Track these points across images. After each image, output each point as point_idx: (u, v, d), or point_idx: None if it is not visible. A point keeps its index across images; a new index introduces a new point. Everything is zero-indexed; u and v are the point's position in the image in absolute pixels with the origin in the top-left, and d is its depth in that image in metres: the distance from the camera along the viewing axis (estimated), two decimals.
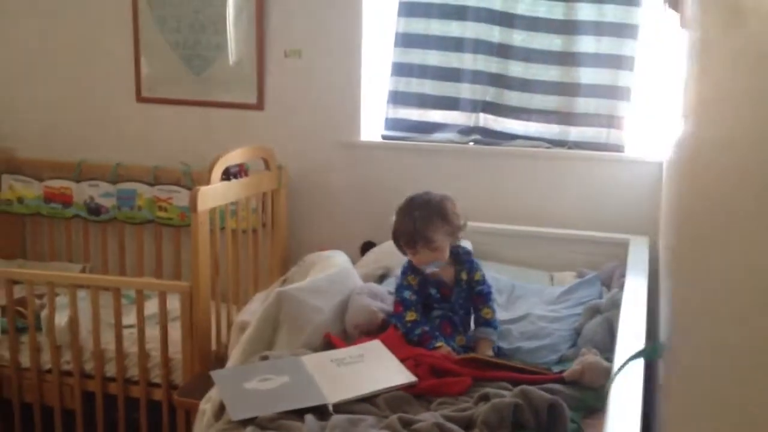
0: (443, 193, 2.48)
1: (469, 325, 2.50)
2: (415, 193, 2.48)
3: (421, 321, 2.40)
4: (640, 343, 2.03)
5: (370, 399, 2.07)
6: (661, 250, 2.78)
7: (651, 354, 1.78)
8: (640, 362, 1.82)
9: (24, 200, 3.94)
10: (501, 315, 2.64)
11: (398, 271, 2.57)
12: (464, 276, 2.49)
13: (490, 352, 2.36)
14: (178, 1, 3.70)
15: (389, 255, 2.84)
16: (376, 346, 2.30)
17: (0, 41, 3.99)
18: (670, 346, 0.69)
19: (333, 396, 2.05)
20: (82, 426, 3.19)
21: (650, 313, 2.33)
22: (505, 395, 1.98)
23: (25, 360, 3.21)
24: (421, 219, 2.37)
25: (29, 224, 4.05)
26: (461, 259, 2.51)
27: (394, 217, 2.47)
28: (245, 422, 1.95)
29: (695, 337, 0.53)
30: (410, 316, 2.40)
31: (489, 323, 2.45)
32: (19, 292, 3.22)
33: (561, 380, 2.14)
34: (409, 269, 2.47)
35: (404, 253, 2.48)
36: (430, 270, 2.42)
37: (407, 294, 2.44)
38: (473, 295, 2.49)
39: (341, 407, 2.03)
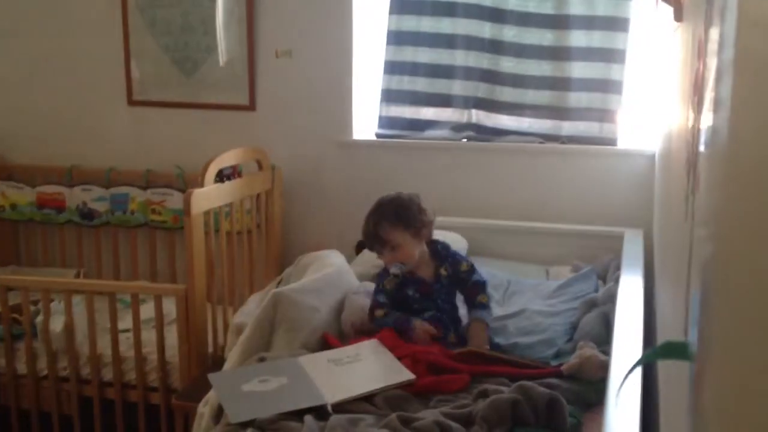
0: (411, 193, 2.49)
1: (459, 320, 2.49)
2: (384, 196, 2.50)
3: (390, 312, 2.42)
4: (637, 337, 2.03)
5: (368, 398, 2.06)
6: (658, 243, 2.78)
7: (665, 355, 1.76)
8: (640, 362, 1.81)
9: (17, 206, 3.93)
10: (497, 310, 2.64)
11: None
12: (444, 272, 2.47)
13: (484, 335, 2.35)
14: (168, 3, 3.69)
15: None
16: (372, 345, 2.30)
17: None
18: (701, 342, 0.68)
19: (332, 396, 2.04)
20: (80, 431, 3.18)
21: (646, 305, 2.33)
22: (504, 391, 1.98)
23: (21, 366, 3.19)
24: (374, 222, 2.41)
25: (22, 230, 4.04)
26: (440, 255, 2.50)
27: None
28: (244, 425, 1.94)
29: (741, 332, 0.53)
30: (378, 313, 2.42)
31: (483, 306, 2.43)
32: (13, 298, 3.20)
33: (559, 374, 2.14)
34: (385, 272, 2.49)
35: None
36: (393, 271, 2.43)
37: (381, 297, 2.46)
38: (468, 287, 2.47)
39: (340, 407, 2.02)
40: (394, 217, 2.40)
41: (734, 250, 0.60)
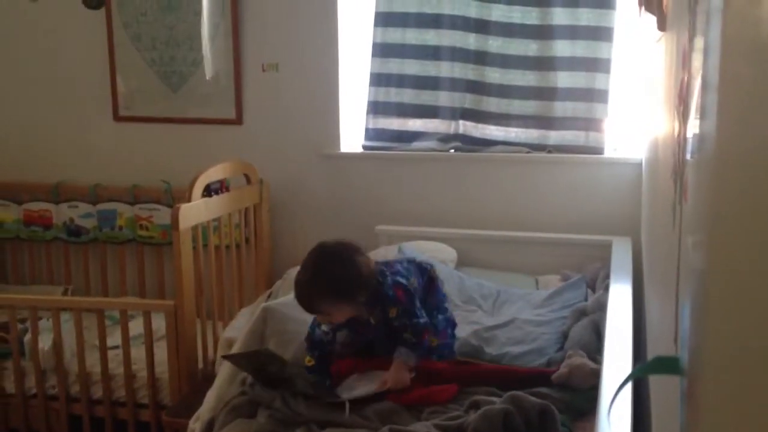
0: (351, 249, 2.23)
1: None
2: (320, 248, 2.24)
3: (316, 368, 2.27)
4: (627, 346, 2.04)
5: (360, 412, 2.06)
6: (646, 251, 2.79)
7: (656, 370, 1.75)
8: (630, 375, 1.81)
9: (3, 224, 3.90)
10: (487, 320, 2.64)
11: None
12: (373, 319, 2.26)
13: (401, 374, 2.17)
14: (153, 18, 3.69)
15: None
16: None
17: None
18: (694, 357, 0.68)
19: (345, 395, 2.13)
20: None
21: (636, 313, 2.34)
22: (495, 402, 1.98)
23: (9, 386, 3.17)
24: (308, 294, 2.19)
25: (9, 248, 4.01)
26: (375, 297, 2.23)
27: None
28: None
29: (733, 344, 0.53)
30: (308, 361, 2.28)
31: (408, 343, 2.20)
32: (0, 317, 3.18)
33: (548, 382, 2.14)
34: None
35: None
36: (323, 329, 2.28)
37: (316, 333, 2.29)
38: (397, 330, 2.24)
39: (330, 422, 2.02)
40: (330, 294, 2.18)
41: (722, 259, 0.60)
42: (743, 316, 0.51)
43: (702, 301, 0.69)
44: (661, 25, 1.81)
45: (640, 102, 3.22)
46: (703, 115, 0.77)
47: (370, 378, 2.23)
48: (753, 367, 0.48)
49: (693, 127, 0.89)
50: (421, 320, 2.22)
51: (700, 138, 0.79)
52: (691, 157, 0.91)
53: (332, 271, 2.17)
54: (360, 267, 2.19)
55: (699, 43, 0.87)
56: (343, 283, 2.17)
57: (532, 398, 1.95)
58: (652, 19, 2.03)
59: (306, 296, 2.19)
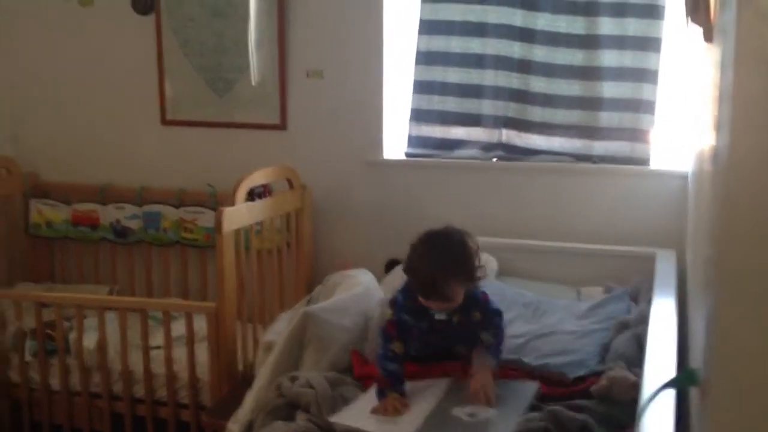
0: (463, 232, 2.21)
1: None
2: (436, 233, 2.20)
3: (401, 357, 2.21)
4: (669, 359, 2.01)
5: None
6: (690, 264, 2.75)
7: (685, 382, 1.73)
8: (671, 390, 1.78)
9: (52, 224, 3.99)
10: (527, 328, 2.62)
11: None
12: (456, 318, 2.22)
13: (491, 378, 2.17)
14: (201, 24, 3.74)
15: None
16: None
17: (25, 67, 4.05)
18: (708, 369, 0.66)
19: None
20: None
21: (680, 327, 2.30)
22: (535, 417, 1.97)
23: (54, 382, 3.23)
24: (440, 278, 2.11)
25: (57, 248, 4.10)
26: (474, 302, 2.24)
27: (409, 252, 2.22)
28: None
29: (743, 358, 0.52)
30: (397, 347, 2.20)
31: (484, 345, 2.24)
32: (47, 315, 3.25)
33: (588, 394, 2.12)
34: (409, 294, 2.22)
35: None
36: (438, 317, 2.20)
37: (405, 318, 2.22)
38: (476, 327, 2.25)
39: None
40: (461, 274, 2.13)
41: (734, 271, 0.59)
42: (754, 327, 0.50)
43: (714, 313, 0.69)
44: (708, 36, 1.79)
45: (687, 113, 3.18)
46: (718, 127, 0.76)
47: (423, 388, 2.21)
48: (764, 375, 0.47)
49: (710, 138, 0.88)
50: (503, 331, 2.27)
51: (716, 150, 0.78)
52: (711, 167, 0.90)
53: (460, 253, 2.15)
54: (477, 249, 2.20)
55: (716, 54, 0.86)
56: (471, 263, 2.15)
57: (572, 414, 1.93)
58: (699, 30, 2.01)
59: (441, 282, 2.10)
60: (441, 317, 2.19)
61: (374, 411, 2.11)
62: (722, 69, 0.78)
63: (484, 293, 2.29)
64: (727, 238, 0.64)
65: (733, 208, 0.62)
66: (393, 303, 2.25)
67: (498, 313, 2.28)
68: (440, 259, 2.13)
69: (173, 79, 3.84)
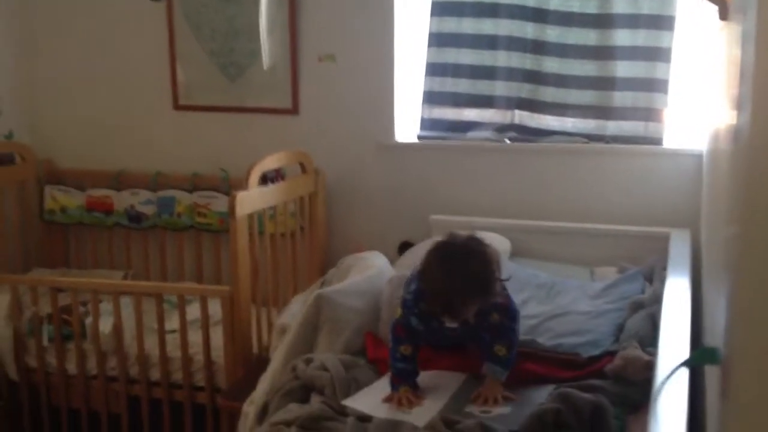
0: (482, 244, 2.09)
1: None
2: (453, 248, 2.08)
3: (411, 356, 2.17)
4: (683, 339, 2.00)
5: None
6: (705, 243, 2.74)
7: (704, 360, 1.71)
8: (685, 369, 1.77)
9: (67, 210, 4.01)
10: (541, 309, 2.62)
11: None
12: (472, 319, 2.11)
13: (500, 390, 2.12)
14: (213, 9, 3.74)
15: None
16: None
17: (40, 53, 4.06)
18: (728, 348, 0.66)
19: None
20: (128, 430, 3.24)
21: (694, 306, 2.30)
22: (547, 399, 1.97)
23: (71, 367, 3.26)
24: (456, 297, 2.01)
25: (72, 233, 4.12)
26: (492, 306, 2.14)
27: (424, 261, 2.10)
28: (288, 422, 1.96)
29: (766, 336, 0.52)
30: (406, 349, 2.16)
31: (495, 358, 2.16)
32: (63, 300, 3.27)
33: (602, 374, 2.12)
34: (421, 298, 2.13)
35: None
36: (450, 326, 2.13)
37: (414, 322, 2.15)
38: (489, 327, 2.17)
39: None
40: (478, 295, 2.02)
41: (754, 249, 0.59)
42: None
43: (734, 291, 0.68)
44: (723, 15, 1.78)
45: (701, 92, 3.15)
46: (738, 105, 0.75)
47: (438, 380, 2.21)
48: None
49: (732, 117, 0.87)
50: (517, 336, 2.20)
51: (736, 129, 0.77)
52: (731, 146, 0.89)
53: (480, 272, 2.02)
54: (497, 264, 2.08)
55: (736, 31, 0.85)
56: (492, 282, 2.04)
57: (584, 395, 1.92)
58: (713, 8, 1.99)
59: (459, 302, 2.01)
60: (452, 325, 2.13)
61: (386, 400, 2.12)
62: (743, 47, 0.76)
63: (506, 297, 2.20)
64: (749, 216, 0.64)
65: (755, 186, 0.61)
66: (403, 304, 2.19)
67: (514, 317, 2.19)
68: (458, 279, 1.99)
69: (185, 65, 3.84)
